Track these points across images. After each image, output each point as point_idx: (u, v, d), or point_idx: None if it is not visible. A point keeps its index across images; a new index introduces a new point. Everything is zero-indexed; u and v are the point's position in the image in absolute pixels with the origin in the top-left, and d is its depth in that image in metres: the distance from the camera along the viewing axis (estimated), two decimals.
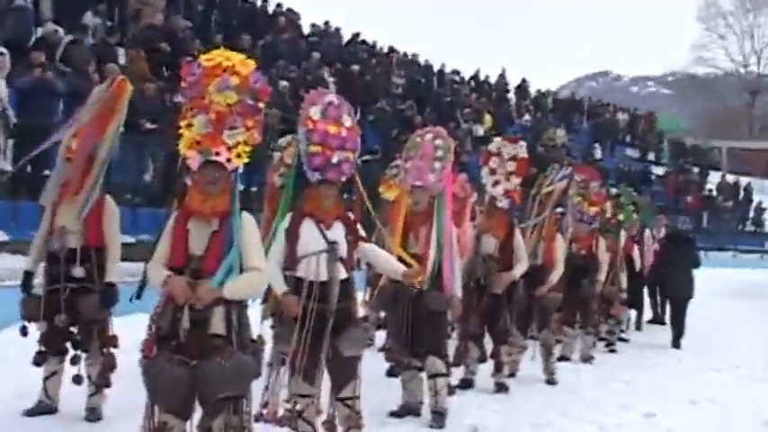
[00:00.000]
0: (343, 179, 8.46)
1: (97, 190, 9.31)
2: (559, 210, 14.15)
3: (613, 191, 19.68)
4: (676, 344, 19.24)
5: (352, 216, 8.56)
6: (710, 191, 53.71)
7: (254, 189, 17.34)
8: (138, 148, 18.14)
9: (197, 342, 6.58)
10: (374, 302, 10.28)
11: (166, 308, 6.69)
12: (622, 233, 18.52)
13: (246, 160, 6.89)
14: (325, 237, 8.20)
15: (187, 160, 6.85)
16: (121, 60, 21.01)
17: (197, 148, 6.74)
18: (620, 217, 18.45)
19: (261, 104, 6.93)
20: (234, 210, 6.85)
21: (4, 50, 16.63)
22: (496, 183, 12.04)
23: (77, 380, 9.43)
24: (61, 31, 20.34)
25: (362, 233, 8.56)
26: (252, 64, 6.97)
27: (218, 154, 6.72)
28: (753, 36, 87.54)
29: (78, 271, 9.25)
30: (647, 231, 21.72)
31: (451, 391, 10.37)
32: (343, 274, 8.23)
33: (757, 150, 72.33)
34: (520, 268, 12.04)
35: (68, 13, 21.93)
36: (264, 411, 8.66)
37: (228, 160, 6.77)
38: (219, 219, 6.81)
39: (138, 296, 7.13)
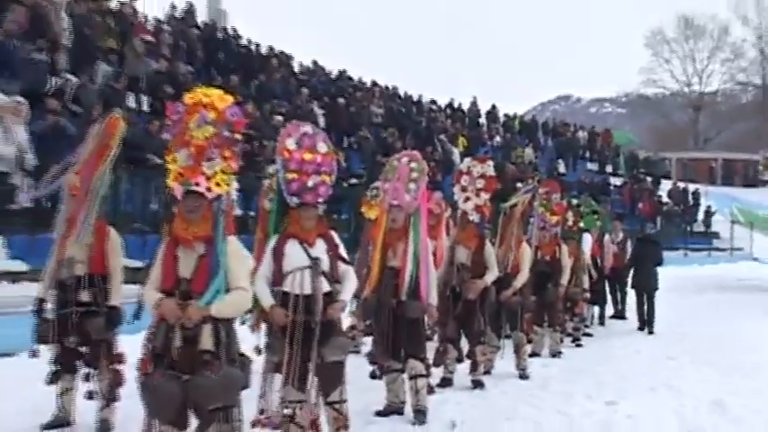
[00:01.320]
0: (320, 200, 8.41)
1: (92, 219, 9.16)
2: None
3: (574, 201, 19.62)
4: (651, 330, 19.99)
5: (333, 234, 8.46)
6: (661, 197, 53.86)
7: (251, 213, 17.11)
8: (145, 182, 17.97)
9: (188, 358, 6.51)
10: (358, 312, 10.03)
11: (159, 327, 6.63)
12: (588, 238, 18.87)
13: (227, 188, 6.81)
14: (308, 254, 8.14)
15: (173, 191, 6.77)
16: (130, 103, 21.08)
17: (179, 180, 6.67)
18: (581, 224, 18.48)
19: (237, 136, 6.83)
20: (217, 234, 6.68)
21: (23, 100, 16.49)
22: (467, 199, 11.99)
23: (89, 395, 9.28)
24: (74, 79, 20.22)
25: (342, 253, 8.44)
26: (229, 99, 6.92)
27: (197, 184, 6.65)
28: (694, 59, 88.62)
29: (85, 296, 9.14)
30: (606, 236, 21.76)
31: (431, 390, 10.39)
32: (326, 288, 8.15)
33: (702, 160, 73.44)
34: (491, 276, 11.93)
35: (83, 63, 21.82)
36: (261, 417, 8.54)
37: (209, 189, 6.69)
38: (206, 243, 6.67)
39: (137, 317, 7.05)
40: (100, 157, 9.24)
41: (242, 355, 6.83)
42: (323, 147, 8.42)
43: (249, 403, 8.01)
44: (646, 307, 20.69)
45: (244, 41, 33.85)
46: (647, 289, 20.82)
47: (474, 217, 12.00)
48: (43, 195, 9.75)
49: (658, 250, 21.79)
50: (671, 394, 12.36)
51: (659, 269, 21.28)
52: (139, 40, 25.63)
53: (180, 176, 6.65)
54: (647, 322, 20.33)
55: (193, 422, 6.61)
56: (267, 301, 8.10)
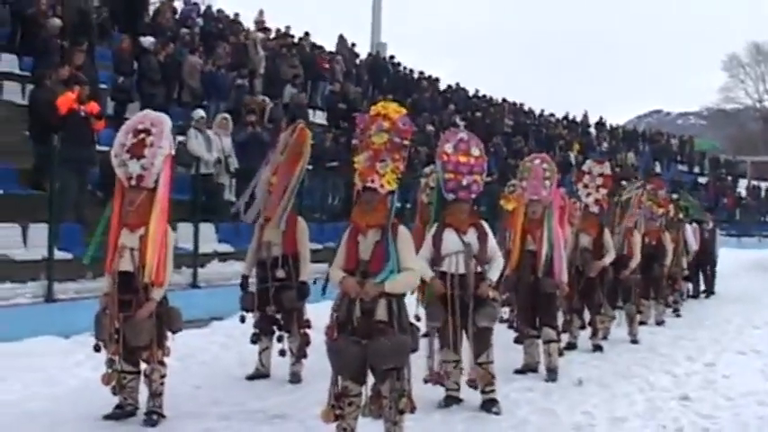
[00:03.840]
0: (473, 197, 8.34)
1: (288, 210, 9.12)
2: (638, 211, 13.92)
3: (674, 196, 19.06)
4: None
5: (484, 224, 8.33)
6: (741, 194, 52.31)
7: (408, 206, 16.96)
8: (323, 181, 18.02)
9: (367, 326, 6.32)
10: (502, 287, 9.77)
11: (343, 301, 6.45)
12: (688, 227, 19.03)
13: (395, 186, 6.53)
14: (462, 240, 8.07)
15: (355, 187, 6.63)
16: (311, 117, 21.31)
17: (360, 178, 6.48)
18: (681, 215, 18.33)
19: (406, 142, 6.57)
20: (388, 223, 6.45)
21: (228, 116, 16.66)
22: (588, 194, 11.90)
23: (282, 353, 9.27)
24: (268, 99, 20.33)
25: (492, 241, 8.32)
26: (402, 111, 6.66)
27: (372, 181, 6.41)
28: (764, 80, 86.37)
29: (280, 273, 9.11)
30: (694, 225, 21.10)
31: (560, 352, 10.15)
32: (477, 268, 8.10)
33: None
34: (609, 258, 11.82)
35: (274, 88, 21.97)
36: (429, 375, 8.37)
37: (381, 186, 6.43)
38: (380, 231, 6.42)
39: (323, 292, 6.85)
40: (295, 162, 9.20)
41: (411, 324, 6.59)
42: (476, 150, 8.31)
43: (416, 362, 7.70)
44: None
45: (400, 68, 33.73)
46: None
47: (594, 209, 11.87)
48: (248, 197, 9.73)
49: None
50: (758, 357, 12.01)
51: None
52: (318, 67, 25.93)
53: (360, 175, 6.47)
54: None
55: (371, 378, 6.45)
56: (429, 273, 7.97)
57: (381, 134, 6.43)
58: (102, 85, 16.91)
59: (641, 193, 13.91)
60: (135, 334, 7.12)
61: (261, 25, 26.59)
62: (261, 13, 27.60)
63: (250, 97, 19.37)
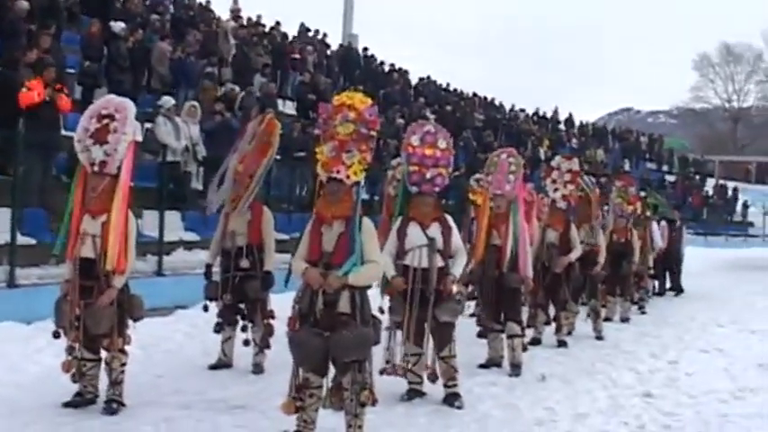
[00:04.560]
0: (437, 190, 8.22)
1: (251, 199, 9.10)
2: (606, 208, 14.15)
3: (642, 193, 19.17)
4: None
5: (448, 218, 8.27)
6: (708, 192, 52.80)
7: (376, 198, 16.94)
8: (291, 170, 17.97)
9: (329, 318, 6.31)
10: (466, 280, 9.75)
11: (305, 292, 6.42)
12: (655, 225, 19.20)
13: (362, 177, 6.51)
14: (426, 234, 8.00)
15: (318, 177, 6.58)
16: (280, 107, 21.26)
17: (324, 168, 6.44)
18: (648, 213, 18.44)
19: (373, 133, 6.54)
20: (354, 215, 6.41)
21: (196, 104, 16.58)
22: (556, 189, 11.92)
23: (246, 343, 9.25)
24: (237, 88, 20.27)
25: (456, 236, 8.26)
26: (368, 101, 6.62)
27: (338, 172, 6.37)
28: (733, 79, 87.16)
29: (244, 262, 9.08)
30: (663, 222, 21.24)
31: (524, 348, 10.11)
32: (440, 263, 8.04)
33: (740, 162, 72.30)
34: (575, 253, 11.84)
35: (243, 76, 21.84)
36: (387, 367, 8.31)
37: (347, 177, 6.40)
38: (345, 223, 6.39)
39: (286, 283, 6.85)
40: (263, 152, 9.18)
41: (374, 317, 6.57)
42: (443, 143, 8.19)
43: (377, 354, 7.71)
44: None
45: (372, 59, 33.65)
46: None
47: (561, 204, 11.91)
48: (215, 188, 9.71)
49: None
50: (721, 356, 11.98)
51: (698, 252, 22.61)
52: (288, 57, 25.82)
53: (325, 165, 6.41)
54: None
55: (332, 370, 6.44)
56: (390, 271, 7.95)
57: (347, 124, 6.38)
58: (70, 70, 16.72)
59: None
60: (95, 321, 7.06)
61: (236, 13, 26.47)
62: (235, 1, 27.50)
63: (210, 83, 19.16)
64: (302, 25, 32.31)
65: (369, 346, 6.41)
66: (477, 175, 12.77)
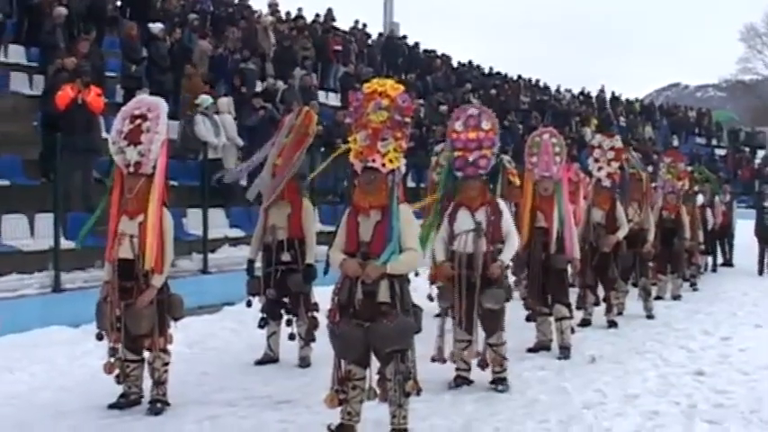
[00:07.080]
0: (481, 172, 8.08)
1: (283, 187, 9.00)
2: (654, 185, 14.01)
3: (689, 168, 18.83)
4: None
5: (499, 202, 8.25)
6: (758, 163, 51.70)
7: (422, 185, 16.83)
8: (335, 161, 17.58)
9: (369, 309, 6.24)
10: (513, 265, 9.62)
11: (344, 283, 6.37)
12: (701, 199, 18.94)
13: (398, 164, 6.41)
14: (473, 219, 7.96)
15: (354, 167, 6.50)
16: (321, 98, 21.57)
17: (359, 157, 6.35)
18: (696, 188, 18.31)
19: (407, 119, 6.42)
20: (392, 203, 6.31)
21: (230, 98, 16.83)
22: (600, 168, 11.75)
23: (292, 337, 9.20)
24: (280, 82, 20.30)
25: (506, 219, 8.15)
26: (400, 87, 6.51)
27: (373, 161, 6.28)
28: None
29: (286, 256, 9.05)
30: (716, 198, 21.16)
31: (573, 330, 10.00)
32: (486, 247, 7.94)
33: None
34: (622, 232, 11.69)
35: (284, 70, 21.81)
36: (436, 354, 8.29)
37: (383, 165, 6.31)
38: (382, 211, 6.32)
39: (325, 273, 6.79)
40: (299, 144, 9.14)
41: (415, 305, 6.46)
42: (486, 124, 8.13)
43: (428, 342, 7.88)
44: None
45: (414, 47, 33.37)
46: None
47: (606, 183, 11.75)
48: (244, 175, 9.62)
49: None
50: None
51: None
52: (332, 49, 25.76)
53: (359, 154, 6.33)
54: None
55: (375, 361, 6.39)
56: (439, 258, 8.08)
57: (381, 112, 6.27)
58: (112, 74, 16.84)
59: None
60: (136, 322, 7.07)
61: (274, 8, 26.43)
62: None
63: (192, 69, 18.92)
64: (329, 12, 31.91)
65: (410, 335, 6.33)
66: (506, 157, 12.80)
